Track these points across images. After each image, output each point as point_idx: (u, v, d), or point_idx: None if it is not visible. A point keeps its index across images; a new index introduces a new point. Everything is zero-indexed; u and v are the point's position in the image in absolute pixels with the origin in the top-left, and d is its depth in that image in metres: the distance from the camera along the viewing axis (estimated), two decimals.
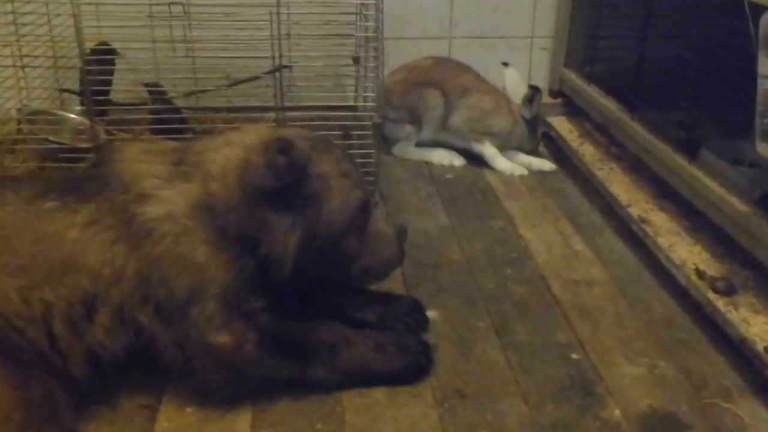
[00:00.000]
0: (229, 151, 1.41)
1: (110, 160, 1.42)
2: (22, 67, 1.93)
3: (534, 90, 2.47)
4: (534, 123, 2.54)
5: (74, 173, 1.51)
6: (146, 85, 2.11)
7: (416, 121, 2.52)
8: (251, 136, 1.44)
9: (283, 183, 1.37)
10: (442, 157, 2.54)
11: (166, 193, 1.35)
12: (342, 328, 1.47)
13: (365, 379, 1.46)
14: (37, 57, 1.94)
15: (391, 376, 1.47)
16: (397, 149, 2.57)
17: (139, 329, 1.34)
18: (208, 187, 1.37)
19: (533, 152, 2.59)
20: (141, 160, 1.41)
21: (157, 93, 2.12)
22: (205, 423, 1.38)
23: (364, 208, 1.50)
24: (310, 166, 1.40)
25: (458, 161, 2.52)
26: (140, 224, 1.32)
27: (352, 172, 1.49)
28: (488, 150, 2.49)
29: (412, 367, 1.49)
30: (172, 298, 1.33)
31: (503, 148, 2.53)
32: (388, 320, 1.59)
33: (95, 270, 1.30)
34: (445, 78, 2.52)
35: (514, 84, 2.55)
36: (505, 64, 2.57)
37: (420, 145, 2.57)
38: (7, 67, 1.91)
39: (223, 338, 1.35)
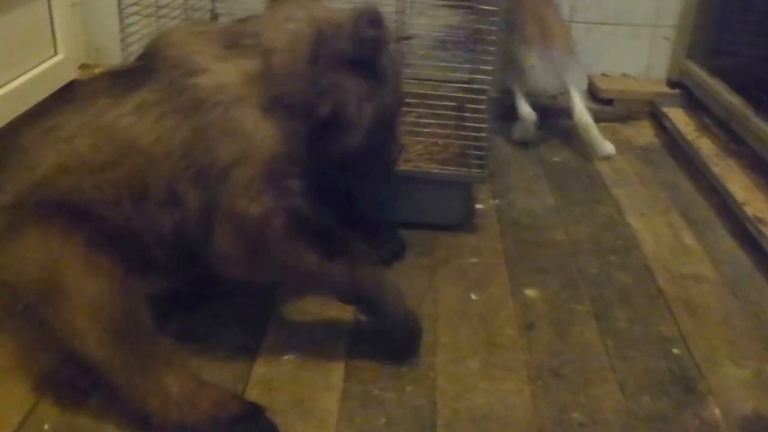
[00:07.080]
0: (295, 26, 1.34)
1: (157, 48, 1.34)
2: None
3: None
4: None
5: (121, 68, 1.45)
6: None
7: None
8: (317, 10, 1.37)
9: (364, 55, 1.34)
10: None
11: (220, 65, 1.29)
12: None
13: (372, 300, 1.39)
14: None
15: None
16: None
17: (180, 202, 1.27)
18: (269, 59, 1.31)
19: None
20: (191, 42, 1.33)
21: None
22: (301, 370, 1.40)
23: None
24: (386, 48, 1.38)
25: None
26: (190, 95, 1.26)
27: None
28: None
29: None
30: (215, 164, 1.26)
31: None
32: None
33: (148, 150, 1.25)
34: None
35: None
36: None
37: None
38: None
39: (252, 208, 1.26)
